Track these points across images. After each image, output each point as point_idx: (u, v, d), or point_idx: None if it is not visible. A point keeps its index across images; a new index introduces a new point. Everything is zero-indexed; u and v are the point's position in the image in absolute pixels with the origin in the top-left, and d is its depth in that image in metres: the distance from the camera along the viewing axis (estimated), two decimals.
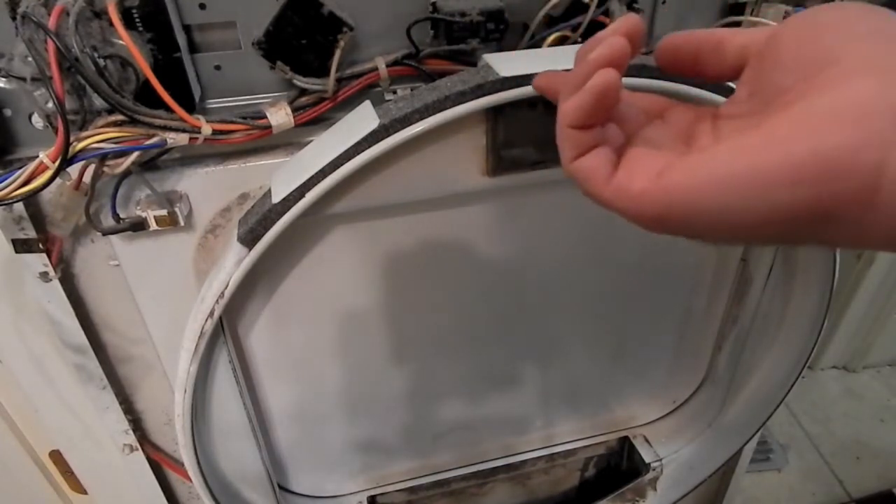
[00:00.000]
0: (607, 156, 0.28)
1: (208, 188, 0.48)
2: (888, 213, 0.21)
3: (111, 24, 0.39)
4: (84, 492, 0.72)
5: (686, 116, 0.30)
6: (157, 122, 0.42)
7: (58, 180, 0.41)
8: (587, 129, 0.28)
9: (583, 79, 0.27)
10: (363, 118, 0.44)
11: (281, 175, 0.46)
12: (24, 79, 0.39)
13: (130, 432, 0.61)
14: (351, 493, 0.75)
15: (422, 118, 0.42)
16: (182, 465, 0.56)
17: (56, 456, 0.74)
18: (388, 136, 0.42)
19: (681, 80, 0.43)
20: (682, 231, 0.25)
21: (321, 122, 0.48)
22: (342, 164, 0.42)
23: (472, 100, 0.42)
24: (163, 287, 0.52)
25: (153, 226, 0.46)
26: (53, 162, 0.39)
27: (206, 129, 0.43)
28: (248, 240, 0.45)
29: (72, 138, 0.39)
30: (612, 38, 0.26)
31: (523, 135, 0.47)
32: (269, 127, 0.46)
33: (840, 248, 0.62)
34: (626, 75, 0.43)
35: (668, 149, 0.28)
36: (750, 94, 0.27)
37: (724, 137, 0.26)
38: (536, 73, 0.35)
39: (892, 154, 0.20)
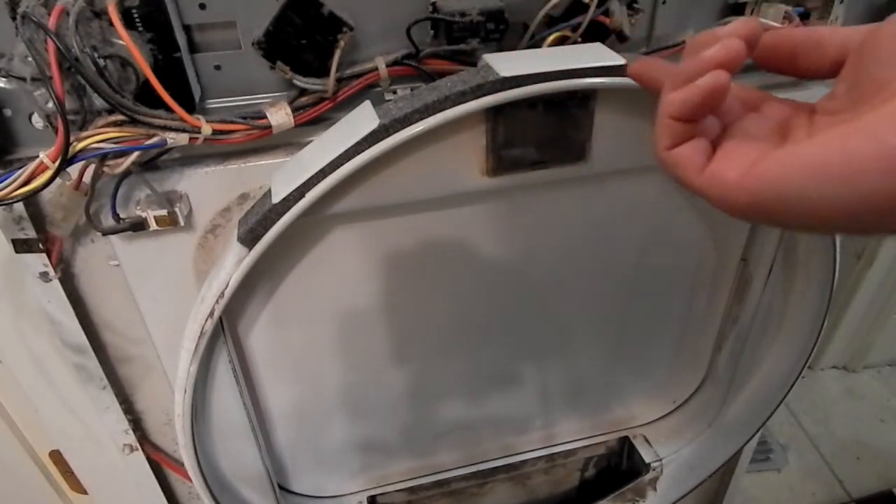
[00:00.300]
0: (703, 146, 0.29)
1: (208, 188, 0.48)
2: None
3: (111, 24, 0.39)
4: (84, 492, 0.72)
5: (783, 110, 0.30)
6: (157, 122, 0.42)
7: (58, 180, 0.41)
8: (687, 122, 0.28)
9: (694, 74, 0.27)
10: (363, 118, 0.44)
11: (281, 175, 0.46)
12: (24, 79, 0.39)
13: (130, 432, 0.61)
14: (351, 493, 0.75)
15: (422, 118, 0.42)
16: (182, 465, 0.56)
17: (56, 456, 0.74)
18: (388, 136, 0.42)
19: None
20: (772, 219, 0.26)
21: (321, 122, 0.48)
22: (342, 164, 0.42)
23: (472, 100, 0.42)
24: (163, 287, 0.52)
25: (153, 226, 0.46)
26: (53, 162, 0.39)
27: (206, 129, 0.43)
28: (248, 240, 0.45)
29: (72, 138, 0.39)
30: (731, 40, 0.27)
31: (523, 135, 0.47)
32: (269, 127, 0.46)
33: None
34: (626, 75, 0.43)
35: (764, 141, 0.28)
36: (848, 89, 0.27)
37: (819, 131, 0.27)
38: (631, 61, 0.36)
39: None
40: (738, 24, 0.28)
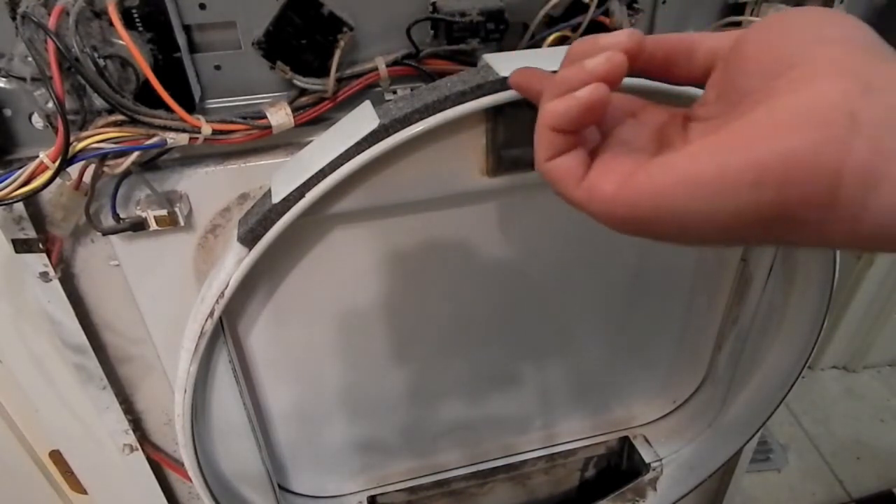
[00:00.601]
0: (581, 158, 0.28)
1: (208, 188, 0.48)
2: (847, 214, 0.21)
3: (111, 24, 0.39)
4: (84, 492, 0.72)
5: (659, 116, 0.30)
6: (157, 122, 0.42)
7: (58, 180, 0.41)
8: (566, 133, 0.28)
9: (575, 84, 0.26)
10: (363, 118, 0.44)
11: (281, 175, 0.46)
12: (24, 79, 0.39)
13: (130, 432, 0.61)
14: (351, 493, 0.75)
15: (422, 118, 0.42)
16: (182, 465, 0.56)
17: (56, 456, 0.75)
18: (388, 136, 0.42)
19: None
20: (649, 232, 0.25)
21: (321, 122, 0.48)
22: (342, 164, 0.42)
23: (472, 100, 0.42)
24: (163, 287, 0.52)
25: (153, 226, 0.46)
26: (53, 162, 0.39)
27: (206, 129, 0.43)
28: (248, 240, 0.45)
29: (72, 138, 0.39)
30: (615, 54, 0.26)
31: (523, 135, 0.47)
32: (269, 127, 0.46)
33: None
34: (626, 75, 0.43)
35: (641, 150, 0.28)
36: (717, 96, 0.27)
37: (692, 140, 0.26)
38: (515, 70, 0.34)
39: (850, 157, 0.20)
40: (622, 36, 0.27)
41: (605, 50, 0.26)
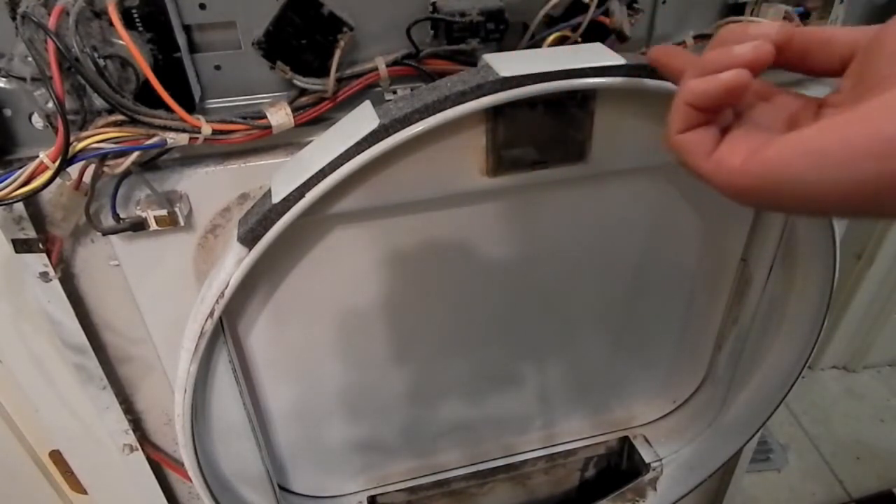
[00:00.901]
0: (712, 133, 0.30)
1: (208, 188, 0.48)
2: None
3: (111, 24, 0.39)
4: (84, 492, 0.72)
5: (794, 102, 0.31)
6: (157, 122, 0.42)
7: (58, 180, 0.41)
8: (702, 112, 0.29)
9: (720, 66, 0.28)
10: (363, 118, 0.44)
11: (281, 175, 0.46)
12: (24, 79, 0.39)
13: (130, 432, 0.61)
14: (351, 493, 0.75)
15: (422, 118, 0.42)
16: (182, 465, 0.56)
17: (56, 456, 0.75)
18: (388, 136, 0.42)
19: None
20: (772, 203, 0.27)
21: (321, 122, 0.48)
22: (342, 164, 0.42)
23: (472, 100, 0.42)
24: (163, 287, 0.52)
25: (153, 226, 0.46)
26: (53, 162, 0.39)
27: (206, 129, 0.43)
28: (248, 240, 0.45)
29: (72, 138, 0.39)
30: (764, 44, 0.28)
31: (523, 135, 0.47)
32: (269, 127, 0.46)
33: None
34: (626, 75, 0.43)
35: (771, 130, 0.29)
36: (853, 85, 0.28)
37: (822, 120, 0.27)
38: (656, 47, 0.36)
39: None
40: (771, 27, 0.29)
41: (755, 38, 0.28)
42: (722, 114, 0.31)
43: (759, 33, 0.29)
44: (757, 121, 0.30)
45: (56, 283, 0.50)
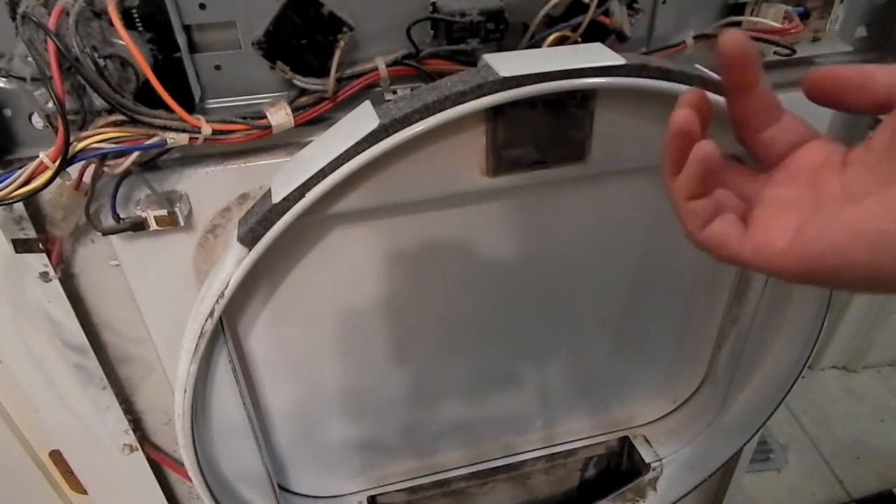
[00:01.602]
0: (732, 219, 0.29)
1: (208, 188, 0.48)
2: None
3: (111, 24, 0.39)
4: (84, 492, 0.72)
5: (814, 157, 0.30)
6: (157, 122, 0.42)
7: (58, 180, 0.41)
8: (703, 198, 0.29)
9: (680, 154, 0.29)
10: (363, 118, 0.44)
11: (281, 175, 0.46)
12: (24, 79, 0.39)
13: (130, 432, 0.61)
14: (351, 493, 0.75)
15: (422, 118, 0.42)
16: (182, 465, 0.56)
17: (56, 456, 0.75)
18: (388, 136, 0.42)
19: (675, 81, 0.43)
20: (825, 282, 0.26)
21: (321, 122, 0.48)
22: (342, 164, 0.42)
23: (472, 100, 0.42)
24: (163, 287, 0.52)
25: (153, 226, 0.46)
26: (53, 162, 0.39)
27: (206, 129, 0.43)
28: (248, 240, 0.45)
29: (72, 138, 0.39)
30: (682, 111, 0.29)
31: (523, 135, 0.47)
32: (269, 127, 0.46)
33: None
34: (626, 75, 0.43)
35: (797, 200, 0.28)
36: (891, 143, 0.26)
37: (860, 190, 0.26)
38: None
39: None
40: (686, 95, 0.30)
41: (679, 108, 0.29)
42: (725, 199, 0.30)
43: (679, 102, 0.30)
44: (775, 195, 0.29)
45: (56, 283, 0.50)
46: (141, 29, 0.41)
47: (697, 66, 0.47)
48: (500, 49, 0.48)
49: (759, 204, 0.30)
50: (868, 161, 0.27)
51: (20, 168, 0.40)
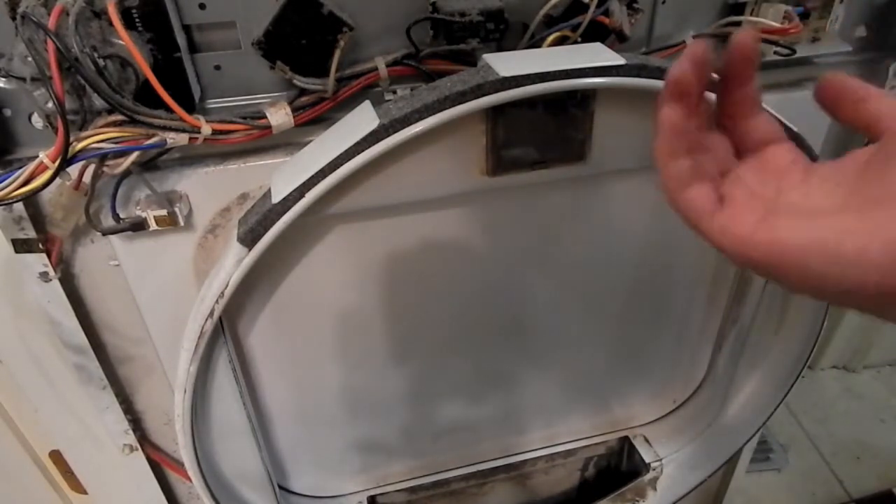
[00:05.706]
0: (709, 192, 0.30)
1: (208, 188, 0.48)
2: None
3: (111, 24, 0.39)
4: (84, 492, 0.72)
5: (783, 158, 0.31)
6: (157, 122, 0.42)
7: (58, 180, 0.41)
8: (684, 156, 0.30)
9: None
10: (363, 118, 0.44)
11: (281, 175, 0.46)
12: (24, 79, 0.39)
13: (130, 432, 0.61)
14: (351, 493, 0.75)
15: (422, 118, 0.42)
16: (182, 465, 0.56)
17: (56, 456, 0.74)
18: (388, 136, 0.42)
19: None
20: (776, 278, 0.27)
21: (321, 122, 0.48)
22: (342, 164, 0.42)
23: (472, 100, 0.42)
24: (163, 287, 0.52)
25: (153, 226, 0.46)
26: (53, 162, 0.39)
27: (206, 129, 0.43)
28: (248, 240, 0.45)
29: (72, 138, 0.39)
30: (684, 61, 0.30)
31: (523, 135, 0.47)
32: (268, 127, 0.46)
33: None
34: (626, 75, 0.43)
35: (763, 191, 0.30)
36: (863, 170, 0.27)
37: (826, 203, 0.27)
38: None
39: None
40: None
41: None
42: (705, 164, 0.31)
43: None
44: (747, 182, 0.31)
45: (56, 284, 0.50)
46: (141, 29, 0.41)
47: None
48: (500, 49, 0.48)
49: (733, 182, 0.31)
50: (831, 178, 0.28)
51: (20, 168, 0.40)
